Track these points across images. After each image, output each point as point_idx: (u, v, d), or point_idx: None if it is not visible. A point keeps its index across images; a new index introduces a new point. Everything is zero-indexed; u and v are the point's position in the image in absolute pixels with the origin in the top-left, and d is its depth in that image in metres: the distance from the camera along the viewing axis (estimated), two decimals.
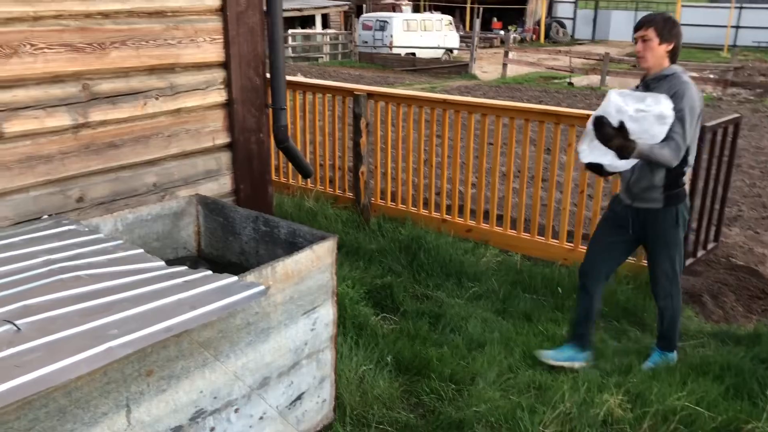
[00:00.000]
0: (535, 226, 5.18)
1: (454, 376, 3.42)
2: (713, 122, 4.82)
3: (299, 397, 2.60)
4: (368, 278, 4.58)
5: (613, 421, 2.95)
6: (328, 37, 27.79)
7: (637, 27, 3.29)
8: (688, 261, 4.89)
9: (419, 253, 4.98)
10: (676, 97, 3.11)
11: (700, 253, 5.15)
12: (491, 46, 29.88)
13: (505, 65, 20.75)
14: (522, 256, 5.10)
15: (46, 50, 2.72)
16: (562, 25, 35.58)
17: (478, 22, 23.64)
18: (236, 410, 2.31)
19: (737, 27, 30.89)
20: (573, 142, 4.90)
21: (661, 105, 3.02)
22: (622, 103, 3.02)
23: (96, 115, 2.96)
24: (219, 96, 3.44)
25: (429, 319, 4.10)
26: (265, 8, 3.53)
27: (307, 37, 27.30)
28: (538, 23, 34.65)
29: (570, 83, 18.91)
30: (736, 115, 5.24)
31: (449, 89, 17.19)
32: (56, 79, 2.79)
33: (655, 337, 3.70)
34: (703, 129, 4.53)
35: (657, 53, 3.23)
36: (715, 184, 5.05)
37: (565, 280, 4.57)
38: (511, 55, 21.51)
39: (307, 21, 29.12)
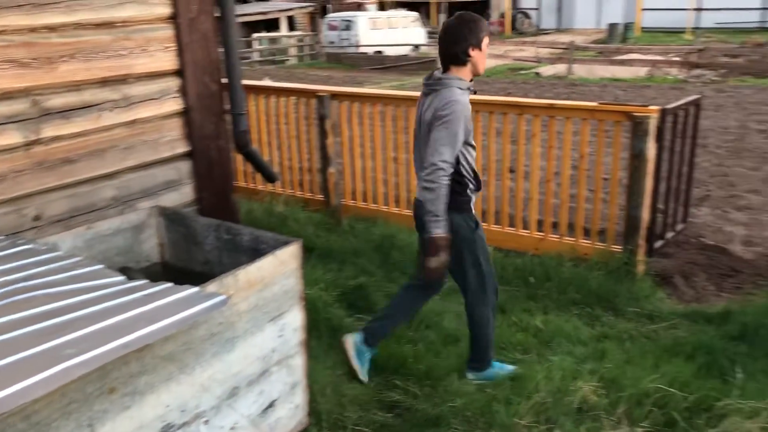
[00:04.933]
0: (505, 217, 5.19)
1: (430, 372, 3.41)
2: (674, 104, 4.87)
3: (271, 405, 2.57)
4: (342, 280, 4.55)
5: (588, 408, 2.96)
6: (294, 39, 27.68)
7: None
8: (658, 243, 4.94)
9: (392, 251, 4.96)
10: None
11: (670, 234, 5.20)
12: None
13: None
14: (493, 249, 5.10)
15: None
16: (527, 16, 35.78)
17: (443, 18, 23.66)
18: (206, 422, 2.27)
19: (699, 9, 31.27)
20: (537, 132, 4.91)
21: None
22: None
23: (48, 130, 2.90)
24: (175, 104, 3.39)
25: None
26: (217, 13, 3.48)
27: (273, 40, 27.17)
28: (503, 15, 34.80)
29: (537, 74, 19.02)
30: (696, 96, 5.30)
31: (418, 86, 17.16)
32: (4, 95, 2.73)
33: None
34: (664, 111, 4.58)
35: None
36: (680, 165, 5.10)
37: (536, 270, 4.58)
38: None
39: (272, 24, 28.99)
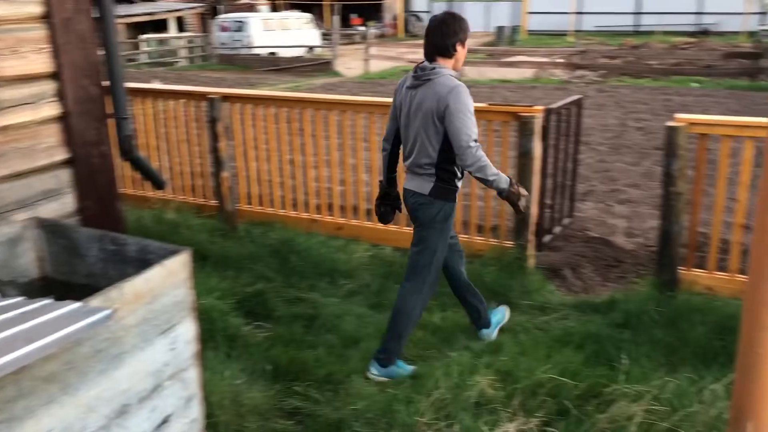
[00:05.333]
0: (403, 217, 5.24)
1: (331, 376, 3.39)
2: (558, 104, 5.08)
3: (165, 421, 2.47)
4: (238, 287, 4.45)
5: (485, 402, 3.03)
6: (184, 40, 26.88)
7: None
8: (547, 238, 5.14)
9: (290, 255, 4.90)
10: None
11: (557, 228, 5.42)
12: (353, 43, 30.07)
13: (367, 61, 20.96)
14: (393, 249, 5.15)
15: None
16: (419, 19, 36.39)
17: (337, 19, 23.70)
18: None
19: (580, 13, 32.87)
20: None
21: None
22: None
23: None
24: (52, 109, 3.19)
25: (304, 322, 4.05)
26: (96, 14, 3.31)
27: (162, 41, 26.28)
28: (395, 18, 35.25)
29: None
30: (578, 96, 5.56)
31: (313, 87, 17.13)
32: None
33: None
34: (548, 110, 4.76)
35: None
36: (565, 161, 5.33)
37: None
38: (372, 50, 21.75)
39: (160, 25, 28.02)
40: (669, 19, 31.11)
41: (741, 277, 4.18)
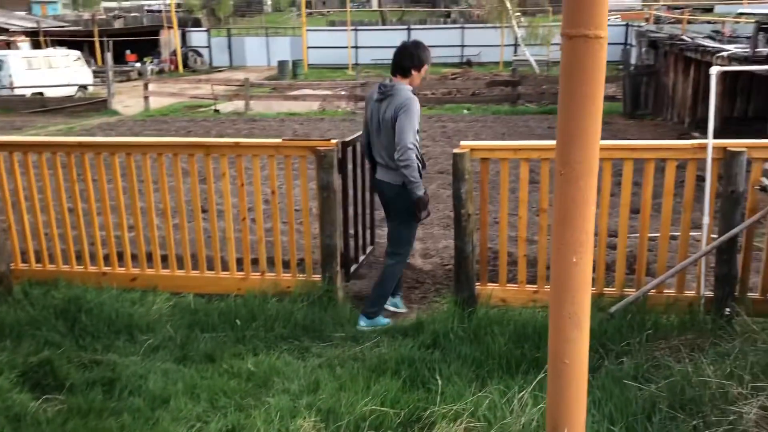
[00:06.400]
0: (203, 260, 5.01)
1: None
2: (351, 137, 5.19)
3: None
4: (20, 358, 3.94)
5: None
6: None
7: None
8: (353, 267, 5.21)
9: (79, 315, 4.46)
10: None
11: (361, 257, 5.52)
12: (129, 80, 28.55)
13: (146, 98, 20.03)
14: (195, 295, 4.89)
15: None
16: (199, 54, 35.61)
17: (109, 56, 22.37)
18: None
19: (356, 47, 34.27)
20: (226, 171, 4.85)
21: None
22: None
23: None
24: None
25: (102, 387, 3.67)
26: None
27: None
28: (173, 53, 34.17)
29: (216, 110, 19.01)
30: None
31: (90, 128, 15.97)
32: None
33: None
34: (343, 143, 4.86)
35: None
36: (362, 191, 5.45)
37: (242, 311, 4.49)
38: (151, 87, 20.85)
39: None
40: (437, 52, 33.48)
41: (529, 287, 4.55)
